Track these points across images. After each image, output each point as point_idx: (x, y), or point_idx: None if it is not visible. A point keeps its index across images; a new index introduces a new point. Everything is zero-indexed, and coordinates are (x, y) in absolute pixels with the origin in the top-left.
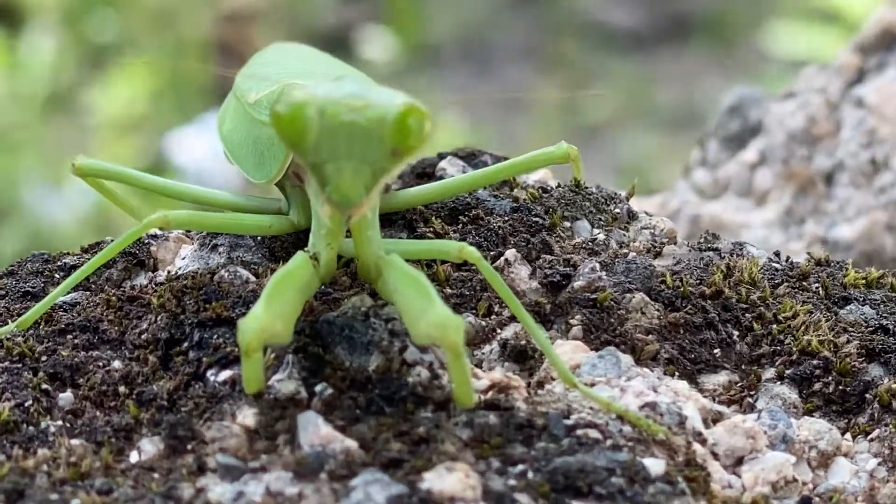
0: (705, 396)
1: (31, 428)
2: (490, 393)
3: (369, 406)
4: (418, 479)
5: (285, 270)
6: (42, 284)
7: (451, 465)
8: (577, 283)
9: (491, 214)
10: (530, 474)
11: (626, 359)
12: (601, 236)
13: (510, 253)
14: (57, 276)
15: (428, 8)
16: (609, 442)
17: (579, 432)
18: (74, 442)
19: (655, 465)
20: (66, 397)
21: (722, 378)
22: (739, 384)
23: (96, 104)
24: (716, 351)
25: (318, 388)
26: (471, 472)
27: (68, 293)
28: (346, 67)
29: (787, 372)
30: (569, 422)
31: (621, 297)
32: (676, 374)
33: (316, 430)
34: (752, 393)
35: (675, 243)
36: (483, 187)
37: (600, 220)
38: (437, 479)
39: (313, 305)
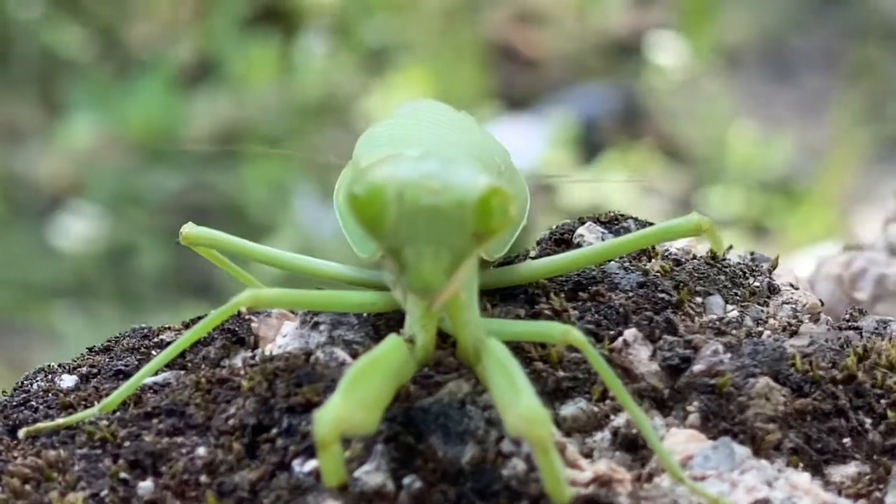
0: (829, 489)
1: None
2: (591, 487)
3: (459, 500)
4: None
5: (372, 355)
6: (136, 363)
7: None
8: (696, 367)
9: (615, 290)
10: None
11: (742, 450)
12: (734, 313)
13: (629, 333)
14: (154, 353)
15: (724, 11)
16: None
17: None
18: None
19: None
20: (145, 486)
21: (850, 469)
22: (869, 476)
23: (371, 111)
24: (845, 440)
25: (406, 480)
26: None
27: (159, 373)
28: (471, 127)
29: None
30: None
31: (743, 382)
32: (801, 465)
33: None
34: (880, 486)
35: (816, 320)
36: (608, 261)
37: (736, 294)
38: None
39: (410, 390)
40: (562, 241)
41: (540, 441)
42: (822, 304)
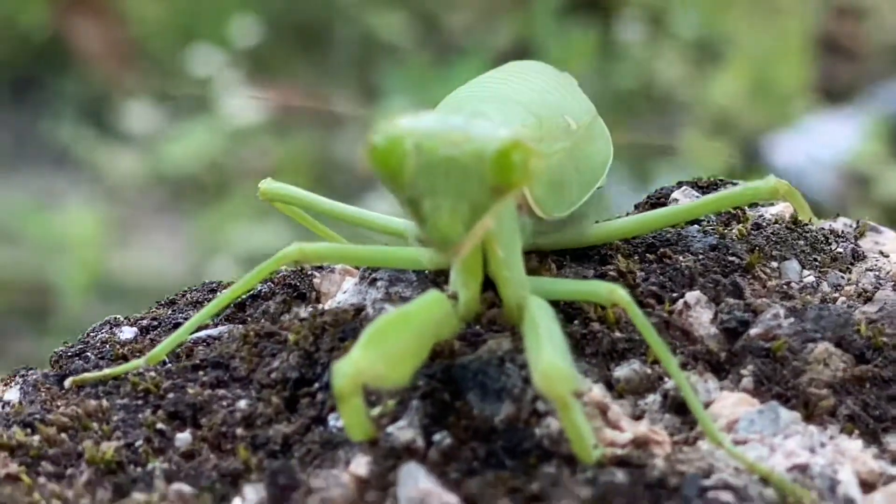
0: (884, 457)
1: (138, 469)
2: (628, 448)
3: (489, 458)
4: None
5: (404, 309)
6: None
7: None
8: (753, 331)
9: (686, 252)
10: None
11: (788, 415)
12: (811, 278)
13: (691, 295)
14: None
15: None
16: None
17: (711, 494)
18: (177, 486)
19: None
20: (183, 438)
21: None
22: None
23: (692, 101)
24: None
25: (436, 437)
26: None
27: (215, 326)
28: (557, 88)
29: None
30: (706, 482)
31: (801, 347)
32: (856, 432)
33: (415, 484)
34: None
35: None
36: (679, 224)
37: (815, 260)
38: None
39: (454, 347)
40: (657, 204)
41: (559, 398)
42: None
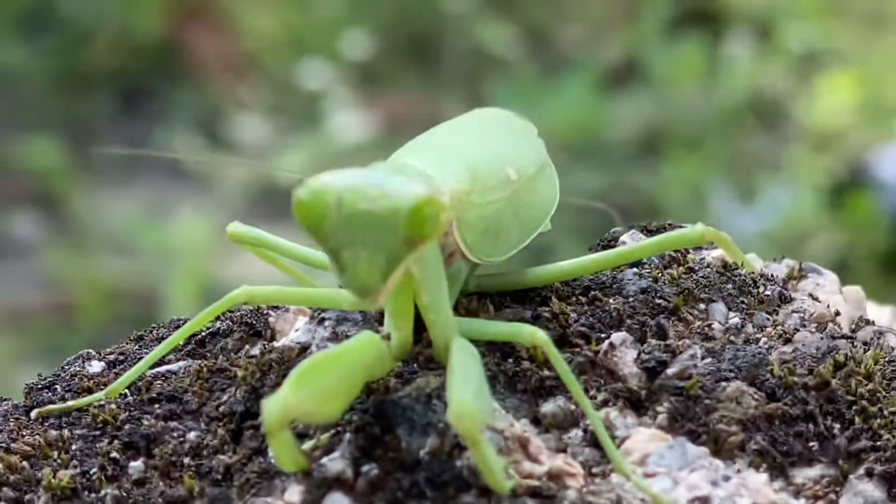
0: (788, 490)
1: (91, 495)
2: (543, 479)
3: (411, 489)
4: None
5: (335, 349)
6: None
7: None
8: (670, 370)
9: (618, 294)
10: None
11: (695, 450)
12: (735, 320)
13: (617, 336)
14: (180, 343)
15: None
16: None
17: None
18: None
19: None
20: (136, 466)
21: (815, 472)
22: (828, 479)
23: (800, 115)
24: (812, 444)
25: (364, 468)
26: None
27: (174, 362)
28: (507, 138)
29: (878, 469)
30: None
31: (714, 386)
32: (764, 466)
33: None
34: (837, 489)
35: (823, 329)
36: (612, 268)
37: (742, 302)
38: None
39: (390, 384)
40: (607, 247)
41: (468, 434)
42: (838, 314)
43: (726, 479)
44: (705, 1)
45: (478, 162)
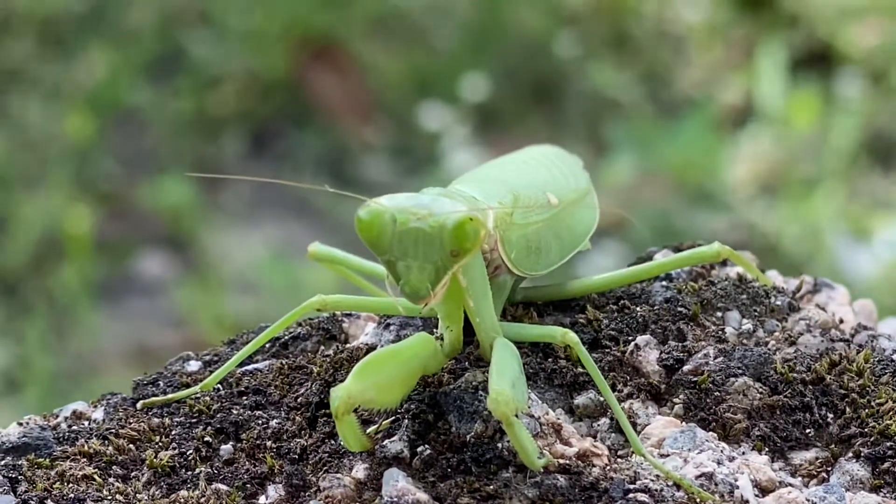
0: (786, 470)
1: (187, 472)
2: (573, 459)
3: (459, 466)
4: None
5: (393, 347)
6: (251, 354)
7: None
8: (686, 367)
9: (645, 303)
10: None
11: (704, 434)
12: (748, 326)
13: (641, 339)
14: (267, 346)
15: None
16: None
17: (632, 496)
18: (215, 486)
19: None
20: (226, 448)
21: (810, 454)
22: (821, 460)
23: None
24: (808, 430)
25: (419, 448)
26: None
27: (261, 361)
28: (555, 171)
29: (865, 451)
30: (630, 486)
31: (724, 381)
32: (766, 449)
33: (395, 484)
34: (829, 468)
35: (825, 334)
36: (639, 282)
37: (755, 311)
38: None
39: (442, 378)
40: (641, 259)
41: (504, 417)
42: (842, 321)
43: (731, 459)
44: (820, 43)
45: (521, 188)
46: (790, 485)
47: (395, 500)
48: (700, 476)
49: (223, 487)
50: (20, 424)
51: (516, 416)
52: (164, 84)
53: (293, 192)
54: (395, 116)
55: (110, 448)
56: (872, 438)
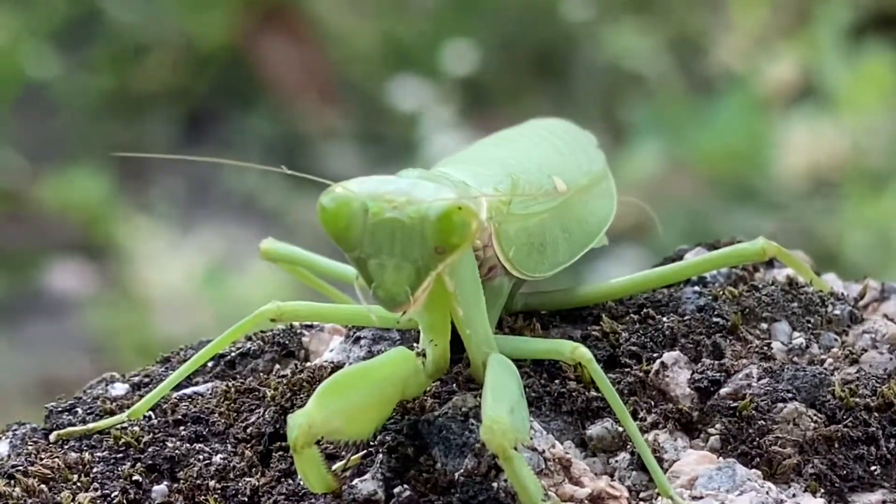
0: None
1: None
2: (586, 502)
3: None
4: None
5: (365, 365)
6: (190, 374)
7: None
8: (723, 390)
9: (673, 313)
10: None
11: (745, 472)
12: (800, 340)
13: (669, 356)
14: (209, 364)
15: None
16: None
17: None
18: None
19: None
20: (159, 490)
21: (876, 497)
22: (888, 503)
23: None
24: (873, 468)
25: (396, 489)
26: None
27: (205, 383)
28: (563, 148)
29: None
30: None
31: (770, 406)
32: (821, 490)
33: None
34: None
35: (895, 352)
36: (667, 286)
37: (808, 322)
38: None
39: (425, 404)
40: (671, 259)
41: (500, 449)
42: None
43: (779, 502)
44: (892, 3)
45: (521, 171)
46: None
47: None
48: None
49: None
50: None
51: (515, 449)
52: (76, 55)
53: (236, 189)
54: (363, 94)
55: (17, 489)
56: None
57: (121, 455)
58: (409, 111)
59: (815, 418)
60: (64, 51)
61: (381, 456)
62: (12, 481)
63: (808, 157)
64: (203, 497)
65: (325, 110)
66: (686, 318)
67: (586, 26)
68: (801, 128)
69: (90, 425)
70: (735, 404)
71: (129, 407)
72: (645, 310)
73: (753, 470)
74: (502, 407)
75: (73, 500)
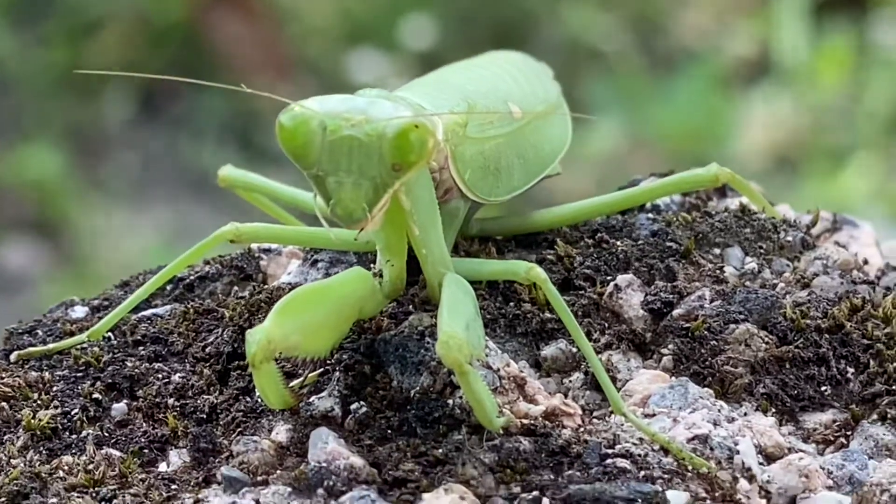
0: (797, 435)
1: (72, 435)
2: (539, 419)
3: (401, 426)
4: (416, 499)
5: (322, 283)
6: (149, 297)
7: (449, 486)
8: (676, 311)
9: (626, 238)
10: (545, 501)
11: (697, 391)
12: (752, 265)
13: (623, 278)
14: (168, 288)
15: None
16: (642, 473)
17: (609, 462)
18: (106, 451)
19: (677, 497)
20: (119, 407)
21: (826, 417)
22: (839, 423)
23: None
24: (824, 388)
25: (353, 406)
26: (468, 493)
27: (164, 305)
28: (518, 77)
29: (892, 412)
30: (608, 451)
31: (722, 328)
32: (773, 409)
33: (324, 447)
34: (848, 433)
35: (845, 276)
36: (620, 212)
37: (760, 248)
38: (433, 500)
39: (381, 323)
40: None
41: (456, 364)
42: (866, 262)
43: (730, 420)
44: None
45: (477, 96)
46: (802, 451)
47: (324, 465)
48: (693, 439)
49: (115, 453)
50: None
51: (470, 364)
52: (28, 30)
53: (191, 166)
54: (319, 71)
55: None
56: None
57: (81, 374)
58: (366, 84)
59: (766, 339)
60: (15, 26)
61: (338, 374)
62: None
63: (768, 134)
64: (162, 414)
65: (282, 86)
66: (640, 242)
67: (546, 2)
68: (761, 105)
69: (50, 346)
70: (687, 325)
71: (89, 328)
72: (599, 234)
73: (706, 389)
74: (458, 323)
75: (33, 417)
